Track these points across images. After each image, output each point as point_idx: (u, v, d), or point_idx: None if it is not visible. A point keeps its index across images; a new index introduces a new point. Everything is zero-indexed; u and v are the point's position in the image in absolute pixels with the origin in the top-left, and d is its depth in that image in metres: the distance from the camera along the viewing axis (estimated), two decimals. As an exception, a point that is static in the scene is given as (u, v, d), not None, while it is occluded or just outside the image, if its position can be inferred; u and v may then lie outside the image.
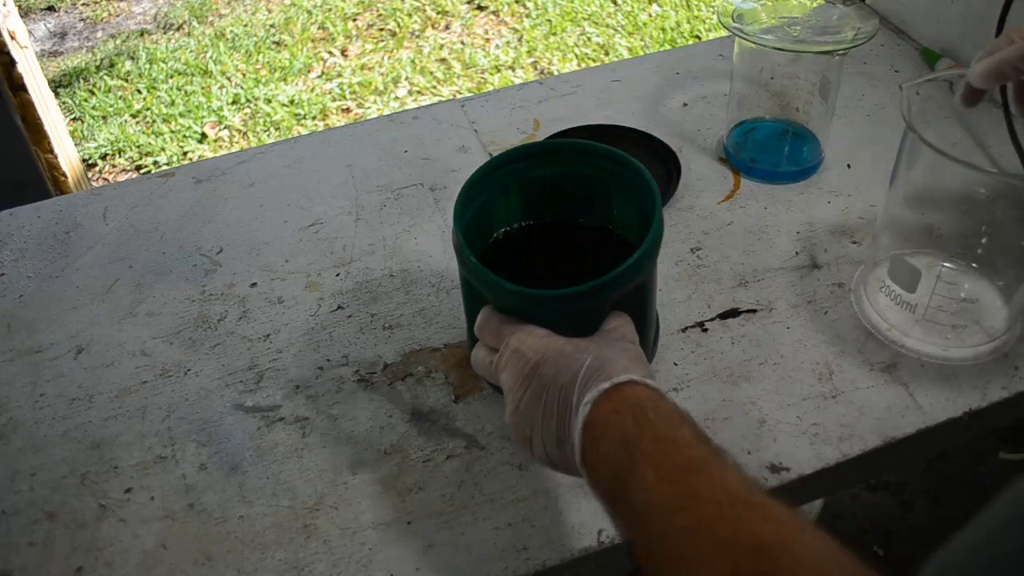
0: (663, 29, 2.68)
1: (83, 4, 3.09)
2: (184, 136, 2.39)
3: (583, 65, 2.55)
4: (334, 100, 2.49)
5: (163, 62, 2.69)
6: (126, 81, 2.63)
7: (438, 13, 2.86)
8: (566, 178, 0.60)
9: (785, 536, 0.36)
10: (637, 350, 0.50)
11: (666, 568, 0.38)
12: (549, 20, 2.78)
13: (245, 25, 2.87)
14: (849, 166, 0.80)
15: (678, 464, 0.41)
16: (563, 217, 0.62)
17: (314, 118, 2.42)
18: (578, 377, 0.46)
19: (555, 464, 0.48)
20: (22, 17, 1.70)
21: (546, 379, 0.47)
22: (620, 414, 0.44)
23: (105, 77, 2.64)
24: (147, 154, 2.34)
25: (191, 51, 2.74)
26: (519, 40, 2.70)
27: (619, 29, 2.71)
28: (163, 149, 2.34)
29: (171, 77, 2.62)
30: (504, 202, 0.60)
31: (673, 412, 0.44)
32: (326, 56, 2.70)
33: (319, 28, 2.84)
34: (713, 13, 2.71)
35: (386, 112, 2.29)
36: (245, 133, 2.40)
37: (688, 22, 2.71)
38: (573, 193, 0.61)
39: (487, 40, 2.73)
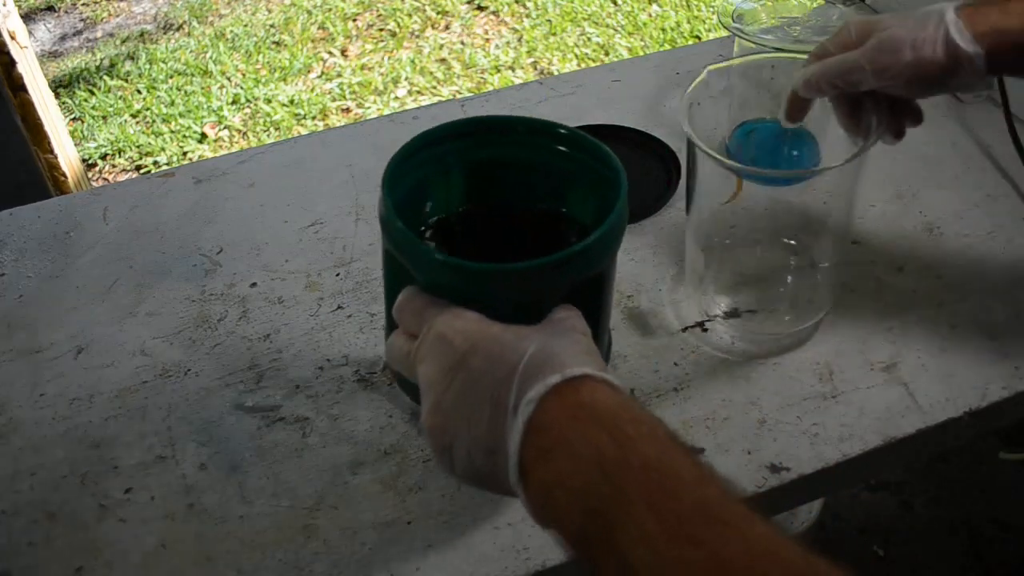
0: (663, 29, 2.68)
1: (83, 4, 3.09)
2: (184, 136, 2.39)
3: (583, 65, 2.55)
4: (334, 100, 2.49)
5: (163, 62, 2.69)
6: (126, 81, 2.63)
7: (438, 13, 2.86)
8: (518, 163, 0.52)
9: None
10: (591, 344, 0.42)
11: None
12: (549, 20, 2.78)
13: (245, 25, 2.87)
14: (849, 166, 0.80)
15: (688, 510, 0.33)
16: (512, 205, 0.54)
17: (314, 118, 2.42)
18: (517, 369, 0.38)
19: (481, 479, 0.40)
20: (22, 17, 1.70)
21: (476, 371, 0.39)
22: (583, 422, 0.36)
23: (105, 77, 2.64)
24: (147, 154, 2.34)
25: (191, 51, 2.74)
26: (519, 40, 2.70)
27: (619, 29, 2.71)
28: (163, 149, 2.34)
29: (171, 77, 2.62)
30: (443, 184, 0.52)
31: (653, 424, 0.36)
32: (326, 56, 2.70)
33: (319, 28, 2.84)
34: (713, 13, 2.72)
35: (386, 112, 2.29)
36: (245, 133, 2.41)
37: (688, 22, 2.71)
38: (526, 180, 0.53)
39: (487, 40, 2.73)
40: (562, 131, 0.52)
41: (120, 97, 2.56)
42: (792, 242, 0.68)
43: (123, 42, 2.85)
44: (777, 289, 0.67)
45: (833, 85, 0.57)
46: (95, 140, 2.38)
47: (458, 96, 2.41)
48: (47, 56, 2.79)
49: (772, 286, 0.67)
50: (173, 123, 2.43)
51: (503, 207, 0.54)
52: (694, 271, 0.66)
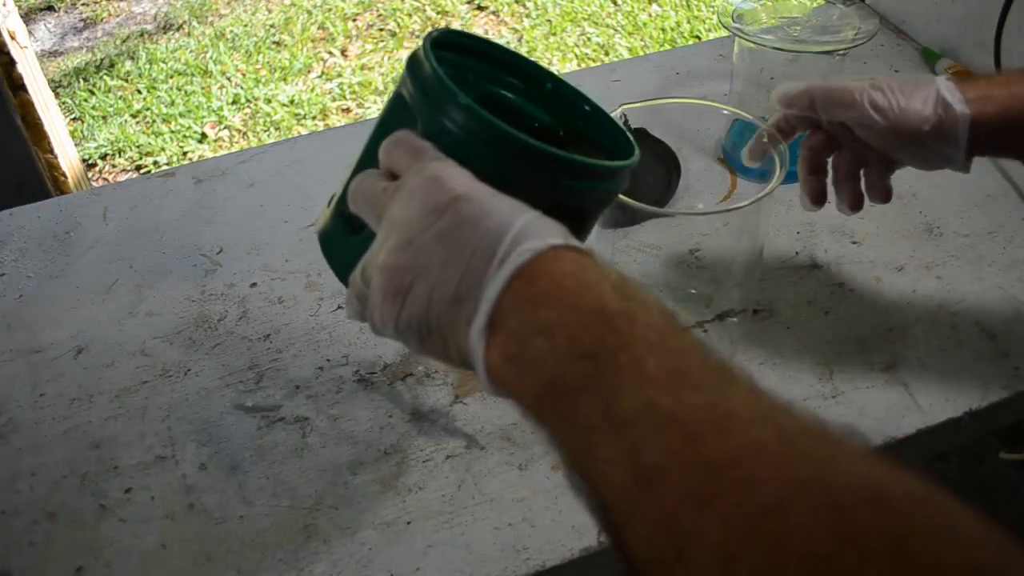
0: (663, 29, 2.68)
1: (83, 4, 3.09)
2: (184, 136, 2.39)
3: (583, 65, 2.55)
4: (334, 100, 2.49)
5: (163, 62, 2.69)
6: (126, 81, 2.63)
7: (438, 13, 2.86)
8: (530, 118, 0.49)
9: (904, 484, 0.26)
10: None
11: (675, 502, 0.27)
12: (549, 20, 2.78)
13: (245, 25, 2.87)
14: (849, 166, 0.80)
15: (693, 365, 0.30)
16: None
17: (314, 118, 2.42)
18: (514, 225, 0.35)
19: (428, 332, 0.37)
20: (22, 17, 1.70)
21: (466, 217, 0.36)
22: (586, 275, 0.33)
23: (105, 77, 2.64)
24: (147, 154, 2.34)
25: (191, 51, 2.74)
26: (519, 40, 2.70)
27: (619, 29, 2.71)
28: (163, 149, 2.34)
29: (171, 77, 2.62)
30: None
31: (658, 300, 0.34)
32: (326, 56, 2.70)
33: (319, 28, 2.84)
34: (713, 13, 2.72)
35: (386, 112, 2.29)
36: (245, 133, 2.41)
37: (688, 22, 2.71)
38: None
39: (487, 40, 2.73)
40: (587, 107, 0.49)
41: (120, 97, 2.56)
42: (694, 292, 0.67)
43: (123, 42, 2.85)
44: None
45: (811, 105, 0.57)
46: (95, 140, 2.38)
47: (458, 96, 2.41)
48: (47, 56, 2.79)
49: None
50: (173, 123, 2.43)
51: None
52: None
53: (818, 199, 0.63)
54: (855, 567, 0.24)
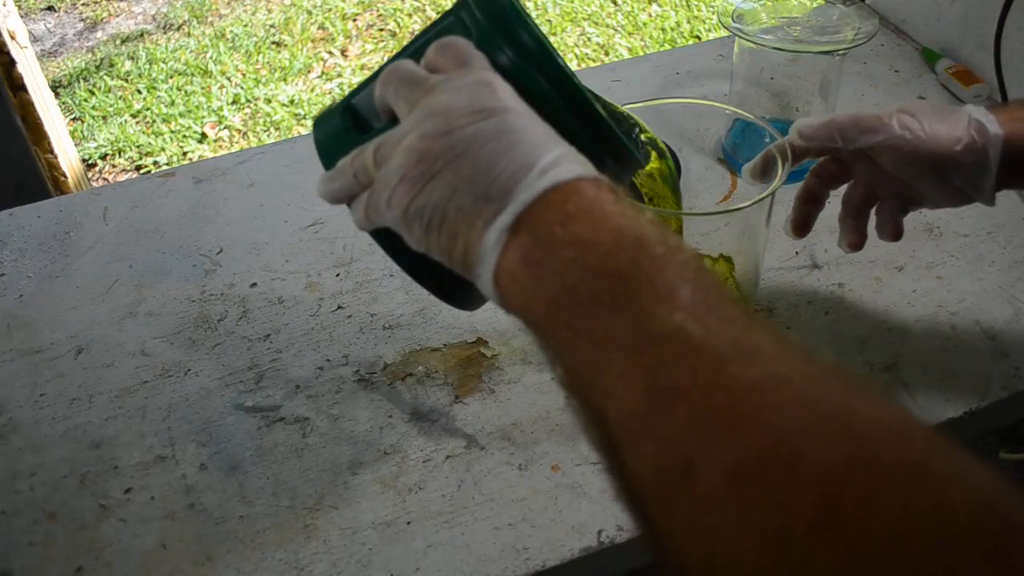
0: (663, 29, 2.68)
1: (83, 4, 3.09)
2: (184, 136, 2.39)
3: (583, 65, 2.55)
4: (334, 100, 2.49)
5: (163, 62, 2.69)
6: (126, 81, 2.63)
7: (438, 13, 2.86)
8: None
9: (911, 426, 0.26)
10: None
11: (691, 421, 0.27)
12: (549, 20, 2.78)
13: (245, 25, 2.87)
14: (849, 166, 0.80)
15: (725, 302, 0.31)
16: None
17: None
18: (558, 148, 0.35)
19: (438, 224, 0.36)
20: (22, 17, 1.70)
21: (512, 126, 0.36)
22: (625, 205, 0.33)
23: (105, 77, 2.64)
24: (147, 154, 2.34)
25: (191, 51, 2.74)
26: (519, 40, 2.70)
27: (619, 29, 2.71)
28: (163, 149, 2.34)
29: (171, 77, 2.62)
30: None
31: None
32: (326, 56, 2.70)
33: (319, 28, 2.84)
34: (713, 13, 2.72)
35: (386, 112, 2.28)
36: (245, 133, 2.41)
37: (688, 22, 2.71)
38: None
39: (487, 40, 2.73)
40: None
41: (120, 97, 2.56)
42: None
43: (123, 42, 2.85)
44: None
45: (835, 137, 0.55)
46: (95, 140, 2.38)
47: (458, 96, 2.40)
48: (47, 56, 2.79)
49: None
50: (173, 123, 2.43)
51: None
52: None
53: (804, 229, 0.62)
54: (866, 496, 0.24)
